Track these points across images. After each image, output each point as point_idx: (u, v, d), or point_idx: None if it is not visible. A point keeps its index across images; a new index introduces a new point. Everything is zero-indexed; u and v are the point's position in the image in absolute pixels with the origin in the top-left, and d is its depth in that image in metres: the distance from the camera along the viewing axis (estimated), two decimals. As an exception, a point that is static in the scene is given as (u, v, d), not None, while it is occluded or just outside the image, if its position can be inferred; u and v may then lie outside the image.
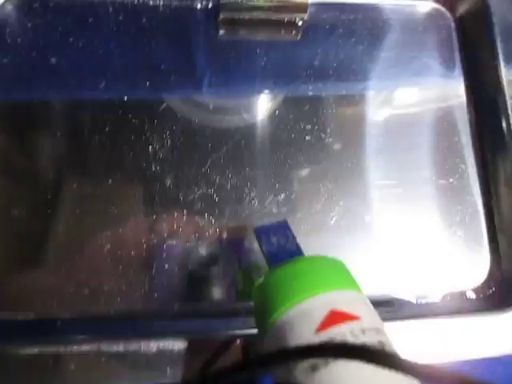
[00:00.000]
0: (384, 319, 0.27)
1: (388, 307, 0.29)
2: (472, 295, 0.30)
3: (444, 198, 0.31)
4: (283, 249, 0.24)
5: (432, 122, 0.33)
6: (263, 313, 0.20)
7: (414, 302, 0.30)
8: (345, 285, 0.20)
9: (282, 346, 0.18)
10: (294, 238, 0.24)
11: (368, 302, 0.20)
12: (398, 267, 0.30)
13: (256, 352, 0.24)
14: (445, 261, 0.31)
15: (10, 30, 0.31)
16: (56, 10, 0.31)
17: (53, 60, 0.30)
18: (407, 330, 0.27)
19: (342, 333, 0.17)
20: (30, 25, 0.31)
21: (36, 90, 0.30)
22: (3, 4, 0.31)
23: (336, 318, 0.18)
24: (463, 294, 0.30)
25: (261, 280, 0.22)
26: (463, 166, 0.32)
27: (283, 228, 0.25)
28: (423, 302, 0.30)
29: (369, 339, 0.17)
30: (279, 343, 0.18)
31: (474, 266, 0.31)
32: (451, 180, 0.32)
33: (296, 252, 0.24)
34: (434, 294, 0.30)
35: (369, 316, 0.19)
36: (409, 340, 0.27)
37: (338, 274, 0.21)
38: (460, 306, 0.30)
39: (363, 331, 0.18)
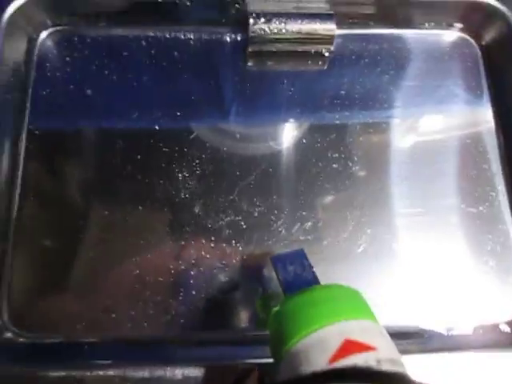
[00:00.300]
0: (413, 351, 0.27)
1: (417, 339, 0.29)
2: (506, 328, 0.29)
3: (474, 227, 0.31)
4: (299, 277, 0.24)
5: (459, 149, 0.33)
6: (279, 341, 0.20)
7: (445, 333, 0.29)
8: (361, 314, 0.20)
9: (296, 374, 0.18)
10: (310, 266, 0.24)
11: (385, 332, 0.20)
12: (426, 297, 0.29)
13: (271, 381, 0.24)
14: (475, 291, 0.30)
15: (50, 63, 0.32)
16: (93, 45, 0.33)
17: (88, 92, 0.32)
18: (437, 363, 0.26)
19: (356, 363, 0.17)
20: (67, 58, 0.32)
21: (71, 120, 0.31)
22: (44, 40, 0.33)
23: (351, 347, 0.18)
24: (496, 326, 0.29)
25: (276, 308, 0.22)
26: (493, 194, 0.32)
27: (300, 257, 0.25)
28: (454, 334, 0.29)
29: (384, 370, 0.17)
30: (294, 371, 0.18)
31: (506, 298, 0.30)
32: (481, 208, 0.31)
33: (312, 281, 0.24)
34: (465, 326, 0.29)
35: (385, 347, 0.19)
36: (439, 374, 0.26)
37: (354, 303, 0.21)
38: (493, 340, 0.29)
39: (378, 361, 0.17)
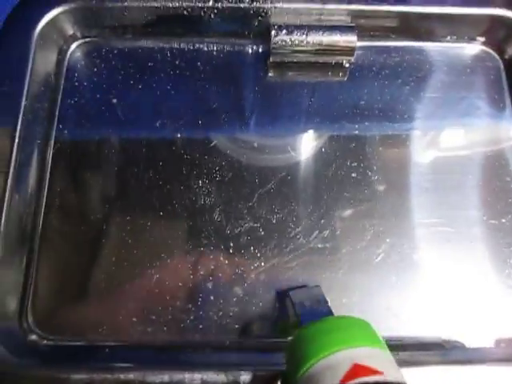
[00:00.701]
0: (433, 363, 0.26)
1: (437, 350, 0.28)
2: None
3: (495, 239, 0.30)
4: (315, 311, 0.26)
5: (481, 162, 0.32)
6: (294, 368, 0.21)
7: (466, 345, 0.28)
8: (369, 342, 0.21)
9: None
10: (326, 302, 0.26)
11: (392, 359, 0.21)
12: (446, 308, 0.29)
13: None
14: (497, 304, 0.29)
15: (78, 74, 0.34)
16: (119, 56, 0.34)
17: (114, 101, 0.33)
18: (458, 376, 0.26)
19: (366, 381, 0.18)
20: (95, 69, 0.34)
21: (96, 128, 0.32)
22: (74, 51, 0.34)
23: (359, 371, 0.19)
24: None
25: (291, 339, 0.23)
26: (516, 207, 0.31)
27: (316, 293, 0.27)
28: (475, 346, 0.28)
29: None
30: None
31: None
32: (503, 220, 0.31)
33: (327, 314, 0.25)
34: (487, 339, 0.29)
35: (392, 372, 0.20)
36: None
37: (363, 332, 0.22)
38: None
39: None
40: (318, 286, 0.28)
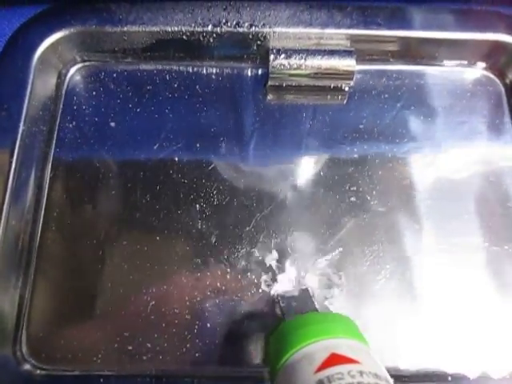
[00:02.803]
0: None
1: (440, 381, 0.27)
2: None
3: (498, 266, 0.30)
4: (301, 311, 0.26)
5: (482, 187, 0.32)
6: (275, 359, 0.22)
7: (469, 377, 0.28)
8: (348, 335, 0.22)
9: None
10: (313, 303, 0.27)
11: (372, 353, 0.21)
12: (448, 337, 0.28)
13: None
14: (500, 333, 0.29)
15: (77, 97, 0.34)
16: (118, 79, 0.34)
17: (112, 124, 0.33)
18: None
19: (339, 372, 0.19)
20: (94, 92, 0.34)
21: (95, 151, 0.32)
22: (73, 75, 0.34)
23: (336, 360, 0.20)
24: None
25: (274, 333, 0.24)
26: (519, 233, 0.31)
27: (304, 295, 0.27)
28: (478, 377, 0.27)
29: (366, 381, 0.19)
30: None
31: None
32: (506, 247, 0.30)
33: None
34: (490, 370, 0.28)
35: (370, 363, 0.20)
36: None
37: (343, 325, 0.23)
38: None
39: (361, 373, 0.19)
40: (306, 289, 0.28)
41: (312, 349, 0.21)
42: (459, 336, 0.28)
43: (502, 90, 0.35)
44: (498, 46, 0.34)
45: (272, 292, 0.29)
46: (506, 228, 0.31)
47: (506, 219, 0.31)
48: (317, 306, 0.26)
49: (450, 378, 0.27)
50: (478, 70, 0.36)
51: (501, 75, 0.35)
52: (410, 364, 0.28)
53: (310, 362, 0.20)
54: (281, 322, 0.25)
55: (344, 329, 0.22)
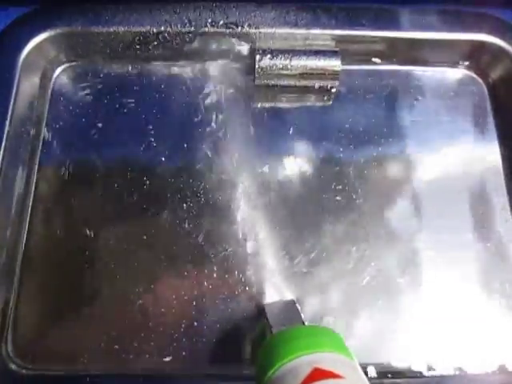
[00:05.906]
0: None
1: (419, 378, 0.28)
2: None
3: (483, 262, 0.30)
4: (288, 323, 0.26)
5: (466, 185, 0.32)
6: (261, 373, 0.22)
7: (455, 372, 0.28)
8: (333, 348, 0.22)
9: None
10: (299, 314, 0.27)
11: (358, 367, 0.21)
12: (434, 333, 0.29)
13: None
14: (486, 328, 0.29)
15: (63, 97, 0.34)
16: (104, 80, 0.34)
17: (99, 125, 0.33)
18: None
19: None
20: (80, 93, 0.34)
21: (82, 151, 0.32)
22: (58, 75, 0.34)
23: (319, 375, 0.20)
24: (503, 367, 0.28)
25: (261, 347, 0.24)
26: (501, 230, 0.31)
27: (291, 306, 0.28)
28: (461, 373, 0.28)
29: None
30: None
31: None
32: (488, 244, 0.31)
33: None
34: (473, 366, 0.28)
35: (354, 377, 0.20)
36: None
37: (328, 339, 0.23)
38: (503, 381, 0.28)
39: None
40: (292, 300, 0.28)
41: (296, 363, 0.21)
42: (444, 331, 0.29)
43: (485, 89, 0.36)
44: (480, 46, 0.35)
45: (258, 291, 0.29)
46: (490, 225, 0.31)
47: (489, 216, 0.32)
48: (303, 317, 0.26)
49: (433, 374, 0.28)
50: (462, 70, 0.36)
51: (483, 75, 0.36)
52: (395, 359, 0.28)
53: (294, 376, 0.20)
54: (267, 330, 0.26)
55: (329, 343, 0.22)
